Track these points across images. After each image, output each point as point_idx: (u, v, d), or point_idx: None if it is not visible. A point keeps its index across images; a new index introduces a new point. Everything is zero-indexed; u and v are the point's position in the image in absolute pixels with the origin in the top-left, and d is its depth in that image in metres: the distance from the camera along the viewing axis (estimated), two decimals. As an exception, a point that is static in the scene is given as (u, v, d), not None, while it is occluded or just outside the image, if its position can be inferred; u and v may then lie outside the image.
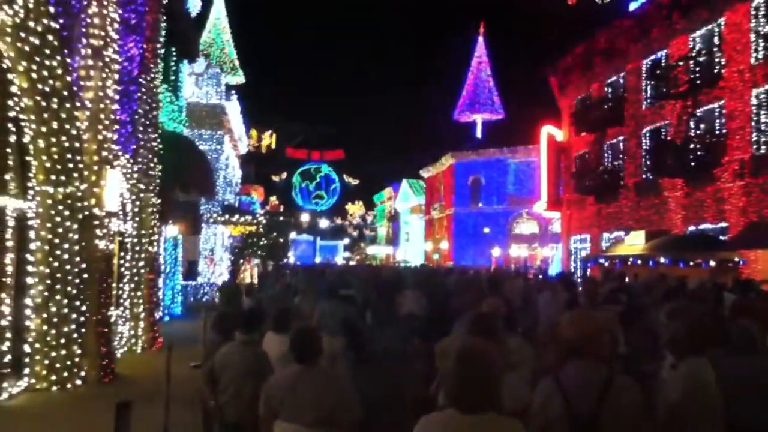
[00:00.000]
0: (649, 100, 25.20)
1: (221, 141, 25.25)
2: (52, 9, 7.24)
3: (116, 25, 8.98)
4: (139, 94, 11.08)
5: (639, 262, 20.55)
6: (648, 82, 25.17)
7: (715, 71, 20.97)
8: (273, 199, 67.66)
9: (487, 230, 45.58)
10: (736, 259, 18.55)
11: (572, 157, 31.78)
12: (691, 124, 22.36)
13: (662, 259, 19.46)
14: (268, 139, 48.23)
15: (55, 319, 8.37)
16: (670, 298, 8.25)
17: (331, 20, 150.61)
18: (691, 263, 18.67)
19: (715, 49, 21.33)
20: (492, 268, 32.81)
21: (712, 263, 18.44)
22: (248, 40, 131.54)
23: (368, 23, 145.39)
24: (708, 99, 21.43)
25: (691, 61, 21.65)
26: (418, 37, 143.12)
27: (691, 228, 22.12)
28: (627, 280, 15.67)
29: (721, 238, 19.98)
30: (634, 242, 22.43)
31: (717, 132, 20.98)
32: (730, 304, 7.73)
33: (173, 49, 16.52)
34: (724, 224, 20.59)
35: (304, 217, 72.00)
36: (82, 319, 8.68)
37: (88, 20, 8.26)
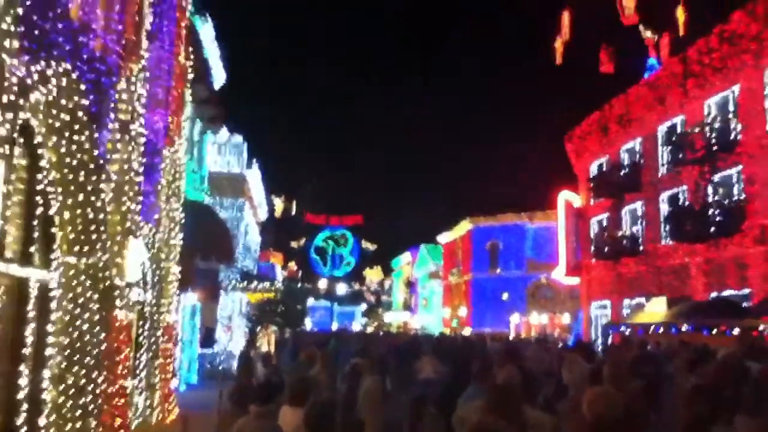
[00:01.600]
0: (666, 166, 25.26)
1: (242, 208, 25.57)
2: (83, 86, 7.51)
3: (143, 100, 9.28)
4: (164, 165, 11.33)
5: (661, 329, 20.16)
6: (664, 148, 25.30)
7: (732, 137, 21.06)
8: (291, 264, 67.79)
9: (505, 296, 45.11)
10: (761, 327, 18.16)
11: (590, 222, 31.71)
12: (710, 189, 22.32)
13: (685, 327, 19.09)
14: (281, 204, 48.84)
15: (72, 391, 8.33)
16: (694, 368, 8.08)
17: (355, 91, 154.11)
18: (715, 331, 18.29)
19: (731, 115, 21.48)
20: (511, 335, 32.38)
21: (737, 331, 18.05)
22: (270, 103, 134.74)
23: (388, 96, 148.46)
24: (726, 164, 21.45)
25: (707, 127, 21.79)
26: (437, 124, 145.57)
27: (714, 294, 21.78)
28: (649, 347, 15.38)
29: (745, 304, 19.62)
30: (656, 309, 22.08)
31: (736, 197, 20.91)
32: (756, 374, 7.55)
33: (198, 120, 16.96)
34: (747, 290, 20.26)
35: (322, 283, 71.87)
36: (99, 390, 8.64)
37: (117, 96, 8.55)
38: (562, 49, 19.99)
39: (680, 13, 19.68)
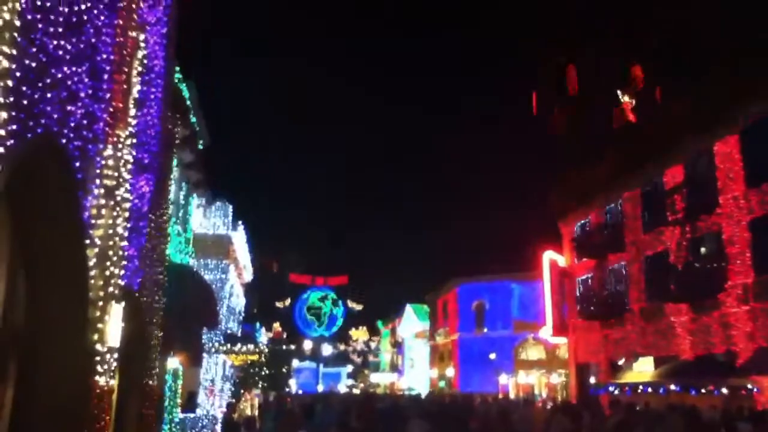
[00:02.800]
0: (647, 226, 25.60)
1: (226, 270, 25.48)
2: (69, 153, 7.61)
3: (129, 166, 9.37)
4: (148, 230, 11.36)
5: (649, 389, 20.08)
6: (645, 209, 25.69)
7: (711, 198, 21.45)
8: (276, 325, 67.05)
9: (493, 356, 44.73)
10: (749, 386, 18.14)
11: (575, 281, 31.83)
12: (691, 249, 22.59)
13: (673, 387, 19.03)
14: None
15: (51, 460, 8.15)
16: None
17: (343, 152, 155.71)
18: (703, 390, 18.24)
19: (709, 177, 21.92)
20: (500, 395, 31.97)
21: (725, 390, 18.02)
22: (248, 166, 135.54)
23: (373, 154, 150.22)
24: (706, 225, 21.79)
25: (686, 189, 22.21)
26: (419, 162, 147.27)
27: (700, 353, 21.79)
28: (638, 408, 15.29)
29: (731, 363, 19.64)
30: (643, 369, 22.05)
31: (718, 257, 21.16)
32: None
33: (183, 183, 17.08)
34: (732, 349, 20.30)
35: (307, 344, 70.99)
36: (79, 458, 8.45)
37: (103, 162, 8.64)
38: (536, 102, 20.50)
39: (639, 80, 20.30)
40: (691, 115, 22.13)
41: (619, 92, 21.84)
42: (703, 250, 22.34)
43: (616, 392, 21.61)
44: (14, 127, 5.93)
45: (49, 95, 6.72)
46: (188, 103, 17.07)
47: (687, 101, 22.29)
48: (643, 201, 25.96)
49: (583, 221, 31.05)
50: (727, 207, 20.77)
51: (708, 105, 21.29)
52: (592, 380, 28.83)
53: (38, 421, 8.15)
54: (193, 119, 18.06)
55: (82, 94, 7.74)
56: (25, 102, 6.15)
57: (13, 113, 5.87)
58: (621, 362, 26.87)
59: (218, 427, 21.32)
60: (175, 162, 13.58)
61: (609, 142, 27.75)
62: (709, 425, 10.45)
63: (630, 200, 26.77)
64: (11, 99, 5.82)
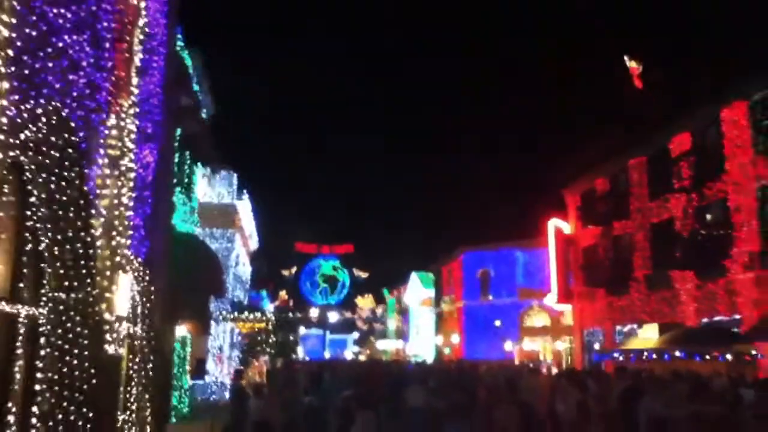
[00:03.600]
0: (653, 194, 25.49)
1: (232, 239, 25.56)
2: (73, 123, 7.57)
3: (133, 136, 9.33)
4: (153, 199, 11.35)
5: (654, 356, 20.19)
6: (651, 176, 25.55)
7: (718, 166, 21.31)
8: (283, 293, 67.51)
9: (498, 323, 45.04)
10: (753, 352, 18.21)
11: (580, 249, 31.83)
12: (698, 216, 22.52)
13: (677, 353, 19.12)
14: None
15: (62, 427, 8.26)
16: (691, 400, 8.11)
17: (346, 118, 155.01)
18: (707, 357, 18.32)
19: (716, 144, 21.75)
20: (507, 363, 32.26)
21: (729, 357, 18.10)
22: (257, 135, 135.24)
23: (379, 121, 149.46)
24: (712, 192, 21.67)
25: (693, 156, 22.06)
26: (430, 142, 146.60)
27: (705, 320, 21.86)
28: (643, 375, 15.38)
29: (735, 330, 19.70)
30: (648, 336, 22.14)
31: (724, 224, 21.09)
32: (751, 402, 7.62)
33: (187, 152, 17.04)
34: (737, 316, 20.35)
35: (314, 312, 71.54)
36: (89, 426, 8.57)
37: (107, 132, 8.60)
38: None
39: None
40: (698, 82, 21.88)
41: (626, 58, 21.62)
42: (709, 217, 22.27)
43: (621, 359, 21.75)
44: (16, 97, 5.89)
45: (50, 65, 6.67)
46: (190, 70, 16.94)
47: (694, 68, 22.03)
48: (649, 168, 25.80)
49: (588, 189, 30.93)
50: (734, 174, 20.64)
51: (716, 72, 21.03)
52: (597, 347, 29.01)
53: (48, 392, 8.25)
54: (196, 87, 17.94)
55: (84, 63, 7.68)
56: (26, 72, 6.10)
57: (15, 83, 5.83)
58: (626, 329, 27.01)
59: (227, 393, 21.59)
60: (179, 131, 13.52)
61: (615, 109, 27.54)
62: (716, 392, 10.49)
63: (636, 168, 26.61)
64: (12, 69, 5.77)
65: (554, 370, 27.88)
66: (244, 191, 28.43)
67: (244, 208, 28.50)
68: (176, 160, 13.59)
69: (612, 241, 28.50)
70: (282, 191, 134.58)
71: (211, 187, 25.34)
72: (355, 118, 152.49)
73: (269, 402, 11.12)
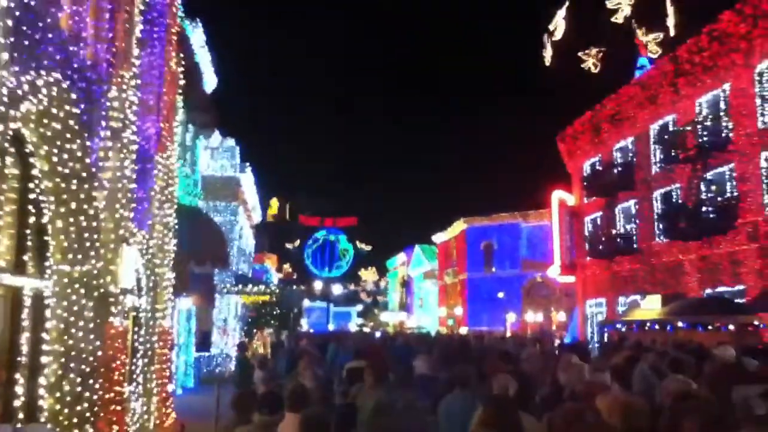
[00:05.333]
0: (658, 165, 25.36)
1: (235, 212, 25.55)
2: (74, 95, 7.51)
3: (135, 108, 9.27)
4: (156, 171, 11.32)
5: (657, 326, 20.25)
6: (656, 146, 25.40)
7: (724, 135, 21.16)
8: (286, 266, 67.74)
9: (501, 295, 45.19)
10: (756, 323, 18.26)
11: (584, 221, 31.79)
12: (702, 187, 22.42)
13: (680, 324, 19.17)
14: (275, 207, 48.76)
15: (69, 399, 8.33)
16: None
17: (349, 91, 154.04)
18: (710, 327, 18.37)
19: (722, 114, 21.58)
20: (507, 333, 32.41)
21: (732, 327, 18.14)
22: (263, 107, 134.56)
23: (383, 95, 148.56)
24: (717, 162, 21.57)
25: (699, 126, 21.89)
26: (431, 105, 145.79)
27: (708, 291, 21.88)
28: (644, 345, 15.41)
29: (739, 301, 19.73)
30: (651, 306, 22.15)
31: (728, 194, 21.02)
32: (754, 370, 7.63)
33: (190, 125, 16.95)
34: (741, 287, 20.37)
35: (317, 284, 71.84)
36: (96, 397, 8.64)
37: (108, 104, 8.54)
38: (552, 51, 20.11)
39: (672, 14, 19.80)
40: (704, 51, 21.63)
41: (635, 25, 21.36)
42: (714, 187, 22.18)
43: (624, 330, 21.82)
44: (16, 68, 5.83)
45: (50, 35, 6.59)
46: (191, 42, 16.77)
47: (700, 37, 21.76)
48: (654, 139, 25.64)
49: (593, 160, 30.79)
50: (739, 144, 20.50)
51: (721, 39, 20.78)
52: (600, 318, 29.12)
53: (55, 364, 8.31)
54: (198, 59, 17.78)
55: (84, 35, 7.60)
56: (26, 43, 6.03)
57: (15, 54, 5.76)
58: (629, 300, 27.07)
59: (232, 365, 21.77)
60: (181, 103, 13.42)
61: (620, 79, 27.28)
62: (722, 363, 10.49)
63: (641, 138, 26.45)
64: (12, 39, 5.70)
65: (557, 342, 28.01)
66: (247, 164, 28.37)
67: (247, 181, 28.45)
68: (178, 132, 13.51)
69: (616, 212, 28.45)
70: (285, 164, 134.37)
71: (213, 159, 25.28)
72: (357, 85, 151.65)
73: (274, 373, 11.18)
